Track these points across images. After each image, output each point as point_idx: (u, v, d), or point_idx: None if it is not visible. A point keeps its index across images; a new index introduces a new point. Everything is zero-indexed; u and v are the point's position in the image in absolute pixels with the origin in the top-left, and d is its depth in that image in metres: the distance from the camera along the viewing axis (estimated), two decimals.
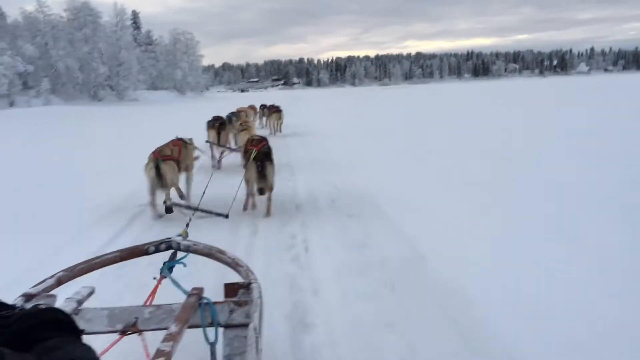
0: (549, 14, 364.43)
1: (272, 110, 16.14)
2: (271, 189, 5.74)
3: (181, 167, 6.20)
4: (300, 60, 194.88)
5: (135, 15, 64.35)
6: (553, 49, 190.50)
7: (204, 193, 4.93)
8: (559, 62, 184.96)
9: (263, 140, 6.24)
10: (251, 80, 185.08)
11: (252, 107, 18.25)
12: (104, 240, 4.85)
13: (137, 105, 44.86)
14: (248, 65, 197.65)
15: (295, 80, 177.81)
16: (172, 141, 6.41)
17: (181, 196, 6.40)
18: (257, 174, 5.59)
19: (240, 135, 9.51)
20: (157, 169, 5.63)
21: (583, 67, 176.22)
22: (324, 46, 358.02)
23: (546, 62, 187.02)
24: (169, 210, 5.68)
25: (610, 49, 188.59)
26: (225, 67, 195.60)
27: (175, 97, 56.65)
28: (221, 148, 9.58)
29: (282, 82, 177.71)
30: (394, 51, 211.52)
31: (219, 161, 9.44)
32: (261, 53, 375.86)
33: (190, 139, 6.95)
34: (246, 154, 5.98)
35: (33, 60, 43.70)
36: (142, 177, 5.82)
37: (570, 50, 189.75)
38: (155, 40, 62.82)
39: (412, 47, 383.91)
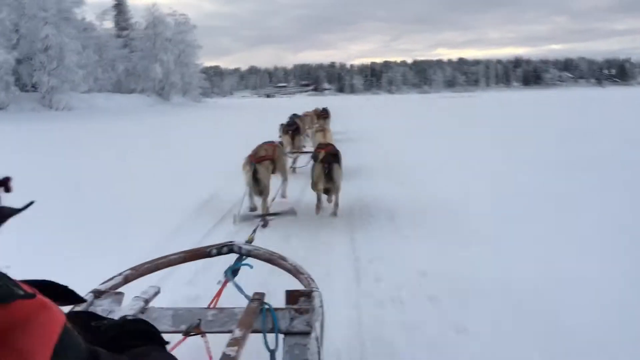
0: (583, 24, 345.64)
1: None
2: (337, 190, 5.82)
3: (276, 168, 6.29)
4: (332, 64, 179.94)
5: (119, 2, 48.73)
6: (603, 58, 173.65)
7: (273, 199, 5.74)
8: (617, 72, 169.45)
9: (331, 144, 6.50)
10: (279, 85, 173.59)
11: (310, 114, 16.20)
12: None
13: (62, 119, 26.32)
14: (276, 69, 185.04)
15: (326, 85, 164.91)
16: (266, 143, 6.47)
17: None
18: (323, 175, 5.67)
19: (316, 136, 9.84)
20: (255, 172, 5.69)
21: None
22: (354, 52, 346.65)
23: (604, 71, 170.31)
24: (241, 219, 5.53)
25: None
26: (252, 70, 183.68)
27: (147, 106, 39.66)
28: (295, 153, 9.59)
29: (312, 87, 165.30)
30: (425, 58, 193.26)
31: (293, 167, 9.16)
32: (290, 59, 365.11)
33: (281, 142, 7.29)
34: (314, 157, 6.20)
35: None
36: None
37: (629, 60, 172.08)
38: (133, 25, 46.32)
39: (444, 54, 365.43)
